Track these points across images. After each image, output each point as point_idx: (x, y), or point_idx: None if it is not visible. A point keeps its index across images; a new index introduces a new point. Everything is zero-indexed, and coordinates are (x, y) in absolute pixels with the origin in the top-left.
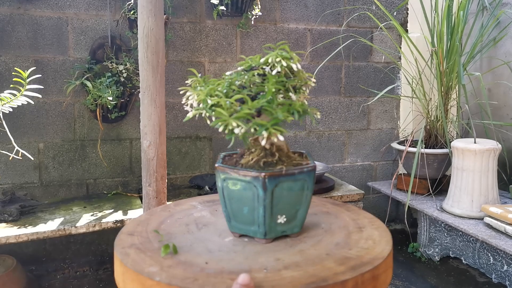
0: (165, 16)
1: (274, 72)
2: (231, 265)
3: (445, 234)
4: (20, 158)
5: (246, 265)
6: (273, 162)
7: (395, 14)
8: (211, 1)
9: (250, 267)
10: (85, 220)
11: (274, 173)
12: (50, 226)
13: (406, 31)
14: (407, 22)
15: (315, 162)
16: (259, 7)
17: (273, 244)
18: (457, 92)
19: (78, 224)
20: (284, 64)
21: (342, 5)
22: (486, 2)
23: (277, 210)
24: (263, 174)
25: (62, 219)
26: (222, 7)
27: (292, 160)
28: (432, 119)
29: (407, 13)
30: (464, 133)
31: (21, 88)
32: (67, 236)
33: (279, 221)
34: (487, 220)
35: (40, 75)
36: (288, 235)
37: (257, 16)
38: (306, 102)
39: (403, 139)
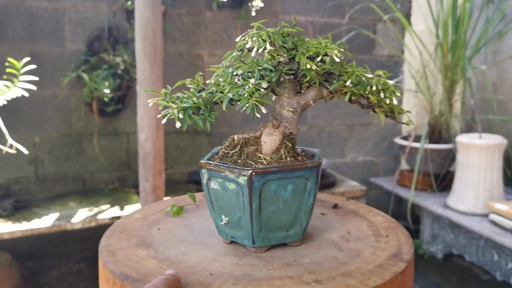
0: (163, 7)
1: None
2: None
3: (449, 231)
4: (15, 152)
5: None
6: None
7: (398, 6)
8: None
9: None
10: (81, 216)
11: (264, 170)
12: (45, 222)
13: (410, 24)
14: (411, 15)
15: (321, 158)
16: None
17: (267, 254)
18: (463, 86)
19: (74, 220)
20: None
21: None
22: None
23: (267, 214)
24: (249, 171)
25: (57, 214)
26: None
27: (295, 158)
28: (436, 113)
29: (410, 6)
30: (468, 128)
31: (15, 79)
32: (63, 232)
33: (271, 227)
34: (492, 217)
35: (36, 67)
36: (286, 243)
37: (258, 8)
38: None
39: (406, 134)
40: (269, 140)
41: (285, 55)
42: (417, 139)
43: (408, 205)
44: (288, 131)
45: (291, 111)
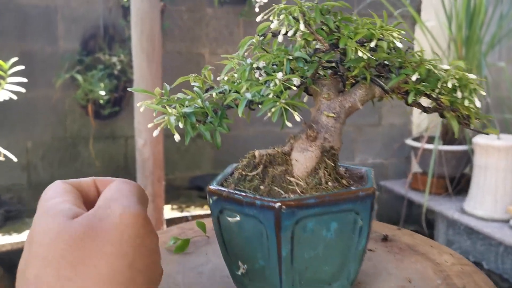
0: (162, 3)
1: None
2: None
3: (465, 237)
4: (3, 159)
5: None
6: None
7: (408, 1)
8: None
9: None
10: None
11: (297, 202)
12: None
13: (420, 19)
14: (421, 10)
15: (374, 183)
16: None
17: None
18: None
19: None
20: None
21: None
22: None
23: (302, 263)
24: (276, 203)
25: None
26: None
27: (338, 181)
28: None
29: (421, 1)
30: (484, 129)
31: (2, 81)
32: None
33: (307, 280)
34: None
35: (27, 67)
36: None
37: (262, 3)
38: None
39: (418, 135)
40: (303, 158)
41: (324, 40)
42: (430, 140)
43: (422, 210)
44: (329, 145)
45: (333, 117)
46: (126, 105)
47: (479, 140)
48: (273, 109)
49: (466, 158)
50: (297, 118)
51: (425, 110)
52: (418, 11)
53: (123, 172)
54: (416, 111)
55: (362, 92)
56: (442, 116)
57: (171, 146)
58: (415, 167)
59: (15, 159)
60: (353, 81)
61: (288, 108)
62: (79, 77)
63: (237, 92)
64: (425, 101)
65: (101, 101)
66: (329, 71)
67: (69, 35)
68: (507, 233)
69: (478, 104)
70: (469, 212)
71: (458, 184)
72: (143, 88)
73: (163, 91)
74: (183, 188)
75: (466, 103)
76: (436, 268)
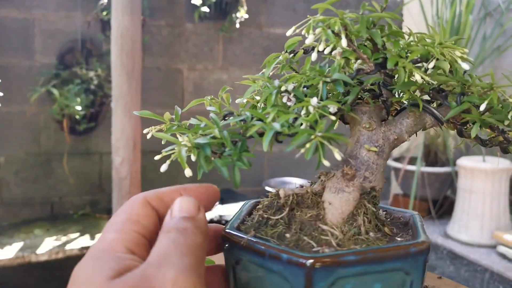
0: (142, 17)
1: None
2: None
3: (448, 262)
4: None
5: None
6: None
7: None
8: (192, 2)
9: None
10: (48, 246)
11: (334, 259)
12: (7, 253)
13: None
14: (401, 29)
15: (426, 235)
16: (245, 9)
17: None
18: None
19: (39, 251)
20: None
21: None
22: (490, 8)
23: None
24: (307, 260)
25: (21, 244)
26: (205, 9)
27: (380, 230)
28: (431, 134)
29: (402, 20)
30: (467, 150)
31: None
32: (28, 263)
33: None
34: (502, 249)
35: (2, 81)
36: None
37: (242, 20)
38: None
39: (398, 156)
40: (338, 201)
41: (369, 58)
42: (411, 161)
43: None
44: (369, 185)
45: (375, 151)
46: (102, 121)
47: (464, 162)
48: (307, 145)
49: (450, 181)
50: (338, 156)
51: (484, 143)
52: (400, 28)
53: (97, 190)
54: None
55: (410, 122)
56: (505, 151)
57: (148, 164)
58: (396, 189)
59: None
60: (397, 108)
61: (325, 142)
62: (55, 91)
63: (261, 120)
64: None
65: (77, 116)
66: (369, 95)
67: (46, 49)
68: (495, 260)
69: None
70: (453, 237)
71: (441, 207)
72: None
73: (173, 116)
74: None
75: None
76: None
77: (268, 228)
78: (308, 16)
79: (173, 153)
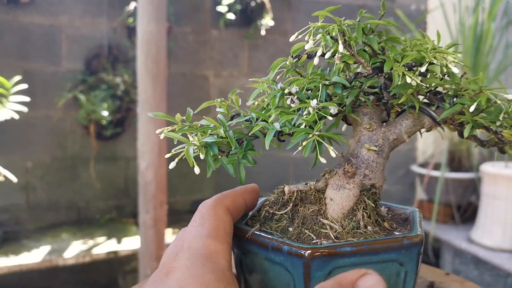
0: (167, 25)
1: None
2: None
3: (472, 267)
4: (3, 179)
5: None
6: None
7: (414, 25)
8: (217, 9)
9: None
10: (75, 250)
11: (331, 250)
12: (35, 256)
13: None
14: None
15: (422, 229)
16: (271, 15)
17: None
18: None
19: (66, 255)
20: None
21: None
22: None
23: None
24: (306, 251)
25: (49, 248)
26: (230, 16)
27: (379, 225)
28: (455, 140)
29: (426, 27)
30: (491, 156)
31: (4, 99)
32: (54, 268)
33: None
34: None
35: (28, 86)
36: None
37: (268, 27)
38: None
39: (423, 161)
40: (339, 197)
41: (366, 63)
42: (436, 167)
43: (429, 239)
44: (369, 182)
45: (375, 150)
46: (128, 127)
47: (487, 168)
48: (304, 142)
49: (473, 186)
50: (332, 153)
51: (482, 144)
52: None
53: (123, 194)
54: (424, 136)
55: (409, 123)
56: (502, 152)
57: (172, 169)
58: (420, 194)
59: (15, 180)
60: (398, 110)
61: (322, 141)
62: (81, 97)
63: (265, 120)
64: (481, 134)
65: (103, 122)
66: (371, 98)
67: (73, 54)
68: None
69: None
70: (477, 242)
71: (465, 212)
72: (147, 110)
73: (184, 117)
74: (184, 212)
75: None
76: None
77: (273, 223)
78: (309, 22)
79: (182, 151)
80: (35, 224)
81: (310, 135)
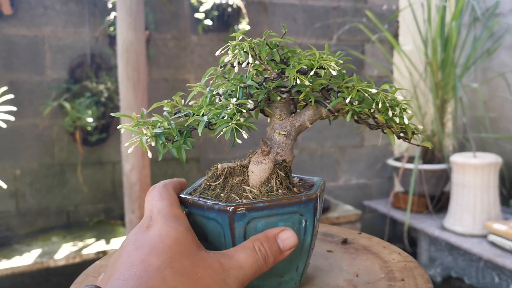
0: (147, 32)
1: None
2: None
3: (447, 253)
4: None
5: None
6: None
7: (386, 26)
8: (195, 16)
9: None
10: (65, 252)
11: (247, 205)
12: (26, 259)
13: (398, 43)
14: (398, 35)
15: (318, 190)
16: (247, 20)
17: None
18: (454, 104)
19: (57, 257)
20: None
21: (331, 18)
22: (478, 13)
23: None
24: (230, 207)
25: (40, 251)
26: (208, 22)
27: (289, 189)
28: (428, 133)
29: (398, 26)
30: (461, 147)
31: None
32: (46, 269)
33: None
34: (491, 238)
35: (15, 96)
36: None
37: (244, 31)
38: None
39: (399, 155)
40: (257, 170)
41: (272, 69)
42: (410, 160)
43: (404, 228)
44: (281, 158)
45: (284, 134)
46: (113, 131)
47: (456, 158)
48: (224, 129)
49: (445, 177)
50: (245, 135)
51: (370, 127)
52: (396, 35)
53: (111, 197)
54: None
55: (310, 113)
56: (384, 132)
57: (158, 171)
58: (397, 187)
59: (4, 186)
60: (305, 104)
61: (239, 128)
62: (66, 105)
63: (198, 115)
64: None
65: (89, 128)
66: (286, 95)
67: (57, 64)
68: (486, 248)
69: (406, 121)
70: (449, 229)
71: (438, 202)
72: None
73: (139, 115)
74: None
75: (397, 120)
76: (383, 265)
77: (209, 191)
78: (229, 41)
79: (137, 140)
80: (26, 229)
81: (230, 124)
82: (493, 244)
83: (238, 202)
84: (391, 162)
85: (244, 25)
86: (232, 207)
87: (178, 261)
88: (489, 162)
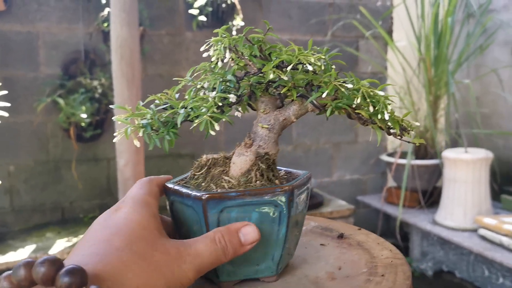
0: (141, 28)
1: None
2: None
3: (438, 247)
4: None
5: None
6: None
7: (380, 23)
8: (189, 12)
9: None
10: (59, 247)
11: (220, 194)
12: (20, 254)
13: (392, 40)
14: (393, 31)
15: (295, 182)
16: (241, 16)
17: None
18: (447, 100)
19: (50, 252)
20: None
21: (326, 14)
22: (474, 8)
23: None
24: (204, 196)
25: (34, 246)
26: (202, 18)
27: (270, 181)
28: (421, 129)
29: (392, 22)
30: (454, 143)
31: None
32: None
33: (235, 261)
34: (482, 231)
35: (9, 93)
36: (258, 278)
37: (238, 27)
38: None
39: (392, 151)
40: (239, 161)
41: (252, 64)
42: (403, 155)
43: (396, 223)
44: (263, 151)
45: (266, 128)
46: (107, 127)
47: (448, 154)
48: (197, 121)
49: (438, 172)
50: (217, 127)
51: (363, 122)
52: (390, 32)
53: (106, 193)
54: None
55: (296, 107)
56: (373, 128)
57: (153, 168)
58: (391, 182)
59: None
60: (292, 99)
61: (212, 121)
62: (61, 101)
63: (180, 107)
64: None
65: (83, 124)
66: (271, 90)
67: (51, 60)
68: (476, 242)
69: (386, 116)
70: (440, 223)
71: (431, 197)
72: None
73: (137, 107)
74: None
75: (379, 116)
76: (370, 260)
77: (193, 181)
78: (211, 37)
79: (126, 130)
80: (20, 226)
81: (204, 116)
82: (484, 238)
83: (214, 191)
84: (384, 157)
85: (238, 21)
86: (206, 196)
87: (137, 244)
88: (481, 158)
